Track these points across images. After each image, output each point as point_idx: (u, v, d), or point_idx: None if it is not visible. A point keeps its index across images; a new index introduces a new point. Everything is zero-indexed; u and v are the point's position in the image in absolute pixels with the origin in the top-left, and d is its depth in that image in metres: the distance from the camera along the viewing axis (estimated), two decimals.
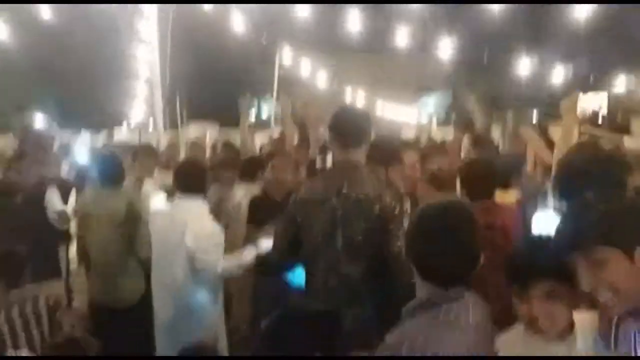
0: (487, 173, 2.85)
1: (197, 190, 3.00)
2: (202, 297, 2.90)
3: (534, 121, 7.39)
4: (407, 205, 2.22)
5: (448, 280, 1.60)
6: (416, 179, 3.09)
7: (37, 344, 2.95)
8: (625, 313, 1.37)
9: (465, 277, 1.62)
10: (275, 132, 8.37)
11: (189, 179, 3.02)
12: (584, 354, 1.49)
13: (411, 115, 20.63)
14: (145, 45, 12.56)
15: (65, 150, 8.64)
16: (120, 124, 14.42)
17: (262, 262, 2.61)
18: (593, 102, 3.13)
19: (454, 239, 1.55)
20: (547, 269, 1.52)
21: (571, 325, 1.56)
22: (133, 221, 3.72)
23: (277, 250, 2.44)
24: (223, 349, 3.01)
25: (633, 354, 1.35)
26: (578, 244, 1.32)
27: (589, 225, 1.28)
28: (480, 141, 4.76)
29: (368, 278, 2.08)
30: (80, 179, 5.18)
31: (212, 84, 18.83)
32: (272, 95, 16.84)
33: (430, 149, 5.06)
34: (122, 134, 12.95)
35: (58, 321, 3.06)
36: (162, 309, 3.01)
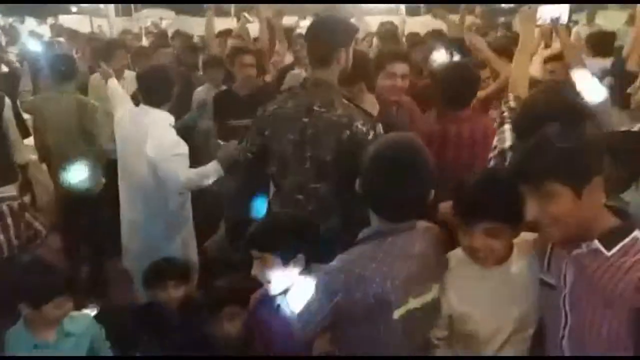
0: (465, 80, 2.69)
1: (160, 101, 2.85)
2: (167, 205, 2.89)
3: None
4: (380, 129, 2.13)
5: (396, 215, 1.61)
6: (402, 94, 2.83)
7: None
8: (560, 241, 1.42)
9: (414, 211, 1.63)
10: (234, 21, 7.88)
11: (152, 90, 2.84)
12: (518, 276, 1.58)
13: (378, 2, 19.78)
14: None
15: (12, 36, 8.07)
16: (67, 10, 13.41)
17: (229, 169, 2.56)
18: (553, 11, 2.99)
19: (403, 176, 1.54)
20: (491, 206, 1.51)
21: (510, 251, 1.63)
22: (87, 119, 3.71)
23: (244, 160, 2.38)
24: (193, 263, 3.05)
25: (562, 281, 1.44)
26: (531, 176, 1.34)
27: (545, 161, 1.29)
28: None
29: (336, 194, 2.08)
30: (31, 69, 4.94)
31: None
32: None
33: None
34: (70, 21, 12.08)
35: (27, 221, 3.08)
36: (128, 210, 3.01)
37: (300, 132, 2.16)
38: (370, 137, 2.09)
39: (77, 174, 3.66)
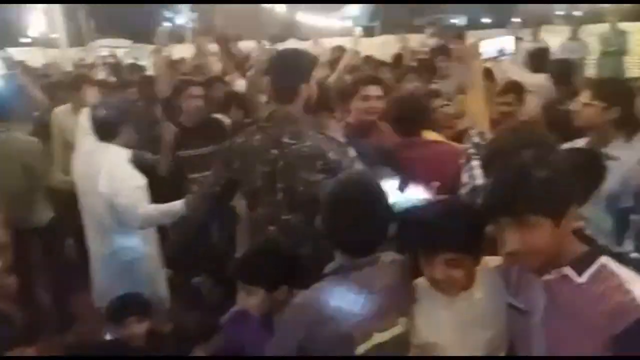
0: (412, 109, 2.76)
1: (111, 137, 2.80)
2: (130, 239, 2.84)
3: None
4: (353, 154, 2.16)
5: (357, 251, 1.63)
6: (377, 115, 2.88)
7: None
8: (533, 268, 1.43)
9: (375, 246, 1.64)
10: (191, 48, 7.85)
11: (103, 125, 2.79)
12: (483, 302, 1.59)
13: (334, 24, 20.20)
14: None
15: None
16: (16, 42, 13.12)
17: (195, 207, 2.48)
18: (496, 45, 3.06)
19: (359, 214, 1.57)
20: (451, 237, 1.52)
21: (473, 278, 1.63)
22: (30, 157, 3.54)
23: (212, 194, 2.34)
24: (160, 298, 2.99)
25: (532, 306, 1.45)
26: (512, 209, 1.33)
27: (525, 193, 1.31)
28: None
29: (308, 224, 2.09)
30: None
31: None
32: (186, 6, 15.85)
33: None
34: (22, 52, 11.82)
35: None
36: (93, 244, 2.96)
37: (270, 164, 2.17)
38: (343, 164, 2.12)
39: (24, 211, 3.55)
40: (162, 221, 2.66)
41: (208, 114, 3.94)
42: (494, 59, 2.45)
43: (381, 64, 5.17)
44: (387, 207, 1.63)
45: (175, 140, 3.53)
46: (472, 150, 2.18)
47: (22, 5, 12.97)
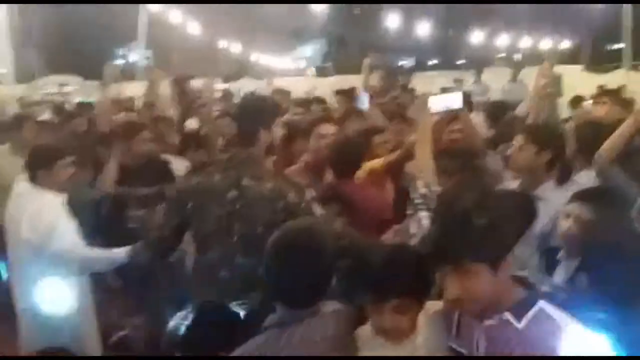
0: (347, 154, 2.84)
1: (43, 178, 2.69)
2: (54, 293, 2.68)
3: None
4: (311, 195, 2.19)
5: (296, 302, 1.60)
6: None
7: None
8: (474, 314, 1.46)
9: (315, 298, 1.62)
10: (142, 85, 7.79)
11: (36, 167, 2.70)
12: (426, 346, 1.57)
13: (288, 64, 20.57)
14: None
15: None
16: None
17: (139, 254, 2.41)
18: (446, 100, 3.05)
19: (299, 264, 1.55)
20: (400, 282, 1.52)
21: (415, 323, 1.62)
22: None
23: (161, 237, 2.29)
24: (90, 353, 2.85)
25: (474, 350, 1.46)
26: (451, 256, 1.36)
27: (464, 240, 1.34)
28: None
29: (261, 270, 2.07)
30: None
31: (72, 32, 17.10)
32: (139, 43, 15.76)
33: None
34: None
35: None
36: (17, 294, 2.81)
37: (228, 205, 2.15)
38: (302, 205, 2.14)
39: None
40: (102, 267, 2.57)
41: (158, 154, 3.86)
42: (443, 113, 2.47)
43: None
44: (332, 257, 1.61)
45: (118, 179, 3.47)
46: (418, 201, 2.22)
47: None
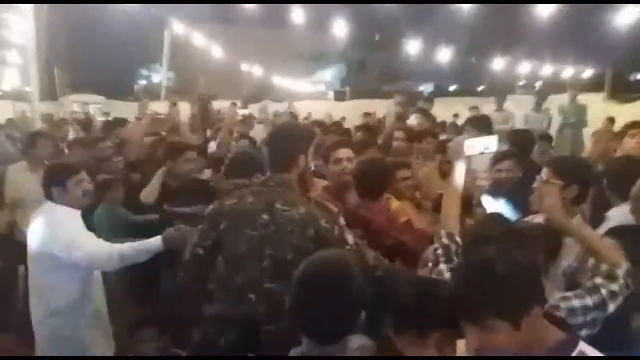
0: (374, 174, 2.86)
1: (59, 195, 2.73)
2: (67, 311, 2.68)
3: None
4: (342, 222, 2.18)
5: (323, 338, 1.55)
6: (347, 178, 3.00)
7: None
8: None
9: (343, 333, 1.56)
10: (165, 105, 7.89)
11: (52, 185, 2.73)
12: None
13: (308, 88, 20.81)
14: (17, 10, 11.28)
15: None
16: None
17: (174, 241, 2.49)
18: (483, 144, 2.95)
19: (328, 299, 1.50)
20: (438, 317, 1.46)
21: None
22: None
23: (192, 254, 2.30)
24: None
25: None
26: (470, 313, 1.30)
27: (483, 295, 1.27)
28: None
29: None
30: None
31: (97, 51, 17.55)
32: (161, 64, 16.08)
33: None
34: None
35: None
36: (33, 307, 2.83)
37: (260, 228, 2.15)
38: (335, 232, 2.12)
39: None
40: (138, 258, 2.59)
41: (200, 174, 3.97)
42: (478, 156, 2.42)
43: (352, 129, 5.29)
44: (362, 290, 1.55)
45: (161, 197, 3.53)
46: (439, 251, 2.15)
47: None
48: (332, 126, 6.40)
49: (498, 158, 3.18)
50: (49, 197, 2.71)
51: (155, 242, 2.56)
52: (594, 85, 13.59)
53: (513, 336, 1.27)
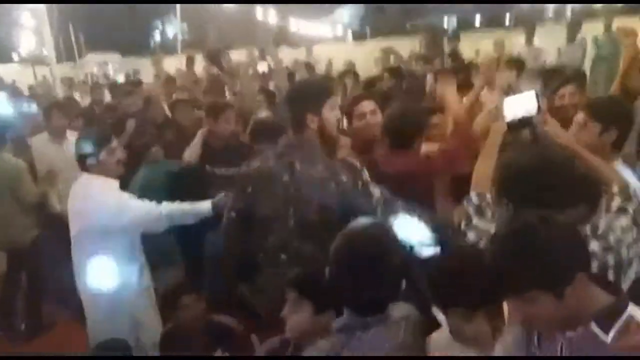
0: (405, 123, 2.71)
1: (92, 166, 2.71)
2: (118, 278, 2.71)
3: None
4: (367, 176, 2.15)
5: (364, 309, 1.53)
6: (376, 128, 2.86)
7: None
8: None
9: (385, 304, 1.55)
10: (182, 58, 7.69)
11: (82, 160, 2.70)
12: (503, 352, 1.45)
13: (326, 30, 20.24)
14: None
15: None
16: (6, 58, 13.02)
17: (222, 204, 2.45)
18: (521, 108, 2.64)
19: (369, 270, 1.47)
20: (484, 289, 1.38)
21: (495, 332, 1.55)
22: (12, 179, 3.51)
23: (227, 218, 2.28)
24: (147, 344, 2.86)
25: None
26: (512, 286, 1.26)
27: (525, 268, 1.21)
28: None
29: (322, 254, 2.03)
30: None
31: (111, 6, 17.27)
32: (175, 16, 15.76)
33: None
34: (11, 70, 11.74)
35: None
36: (81, 283, 2.85)
37: (282, 190, 2.14)
38: (359, 187, 2.10)
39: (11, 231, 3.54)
40: (188, 220, 2.62)
41: (239, 135, 3.85)
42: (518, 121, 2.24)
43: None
44: (401, 261, 1.51)
45: (201, 157, 3.47)
46: (471, 210, 2.06)
47: (12, 22, 12.86)
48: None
49: (561, 82, 3.01)
50: (84, 169, 2.69)
51: (205, 205, 2.59)
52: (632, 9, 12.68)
53: (557, 306, 1.22)
